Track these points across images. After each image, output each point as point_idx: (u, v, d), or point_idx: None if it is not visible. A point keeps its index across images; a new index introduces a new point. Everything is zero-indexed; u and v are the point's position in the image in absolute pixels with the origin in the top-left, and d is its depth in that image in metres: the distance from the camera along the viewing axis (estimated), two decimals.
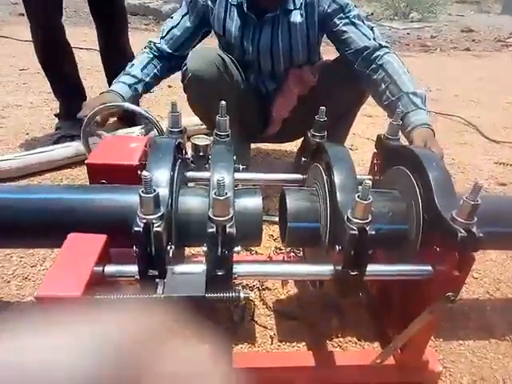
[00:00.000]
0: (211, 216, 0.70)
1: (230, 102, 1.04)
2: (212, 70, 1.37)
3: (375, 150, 1.11)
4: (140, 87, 1.42)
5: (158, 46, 1.48)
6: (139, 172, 1.03)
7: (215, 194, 0.68)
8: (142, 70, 1.43)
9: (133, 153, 1.04)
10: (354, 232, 0.71)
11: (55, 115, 2.09)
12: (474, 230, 0.73)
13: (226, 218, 0.69)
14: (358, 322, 1.11)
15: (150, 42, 1.50)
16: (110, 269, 0.74)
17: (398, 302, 0.96)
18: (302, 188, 0.98)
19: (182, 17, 1.50)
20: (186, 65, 1.38)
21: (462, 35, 6.14)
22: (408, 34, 6.14)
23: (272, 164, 1.98)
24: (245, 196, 0.89)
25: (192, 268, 0.75)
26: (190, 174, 1.04)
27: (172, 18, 1.53)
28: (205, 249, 0.72)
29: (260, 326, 1.09)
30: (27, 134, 2.08)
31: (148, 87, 1.46)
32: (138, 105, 1.53)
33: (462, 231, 0.73)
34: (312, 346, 1.05)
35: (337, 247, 0.76)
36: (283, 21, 1.44)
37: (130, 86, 1.39)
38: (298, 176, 1.11)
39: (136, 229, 0.68)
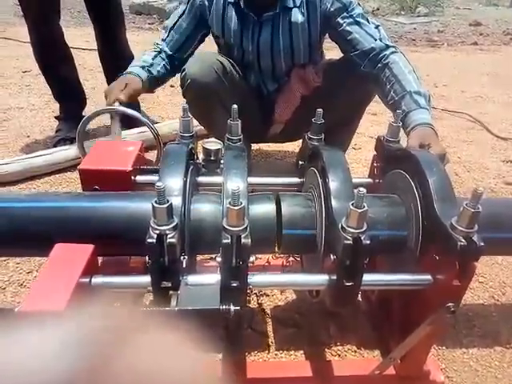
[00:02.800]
0: (226, 226, 0.68)
1: (230, 105, 1.02)
2: (211, 76, 1.34)
3: (375, 153, 1.07)
4: (153, 71, 1.42)
5: (161, 48, 1.48)
6: (133, 177, 1.02)
7: (230, 203, 0.66)
8: (152, 59, 1.44)
9: (126, 158, 1.02)
10: (348, 242, 0.68)
11: (55, 117, 2.08)
12: (475, 238, 0.70)
13: (241, 228, 0.68)
14: (357, 329, 1.08)
15: (155, 43, 1.51)
16: (97, 280, 0.72)
17: (397, 311, 0.93)
18: (297, 193, 0.95)
19: (179, 18, 1.47)
20: (184, 70, 1.36)
21: (469, 29, 6.03)
22: (415, 28, 6.04)
23: (273, 165, 1.95)
24: (259, 202, 0.87)
25: (206, 279, 0.73)
26: (201, 179, 1.03)
27: (169, 17, 1.51)
28: (219, 259, 0.71)
29: (257, 333, 1.07)
30: (28, 136, 2.08)
31: (159, 75, 1.45)
32: (153, 92, 1.53)
33: (462, 240, 0.69)
34: (310, 355, 1.02)
35: (331, 256, 0.73)
36: (283, 20, 1.41)
37: (143, 67, 1.40)
38: (296, 179, 1.08)
39: (149, 240, 0.67)
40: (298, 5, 1.39)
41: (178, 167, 0.85)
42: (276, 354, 1.03)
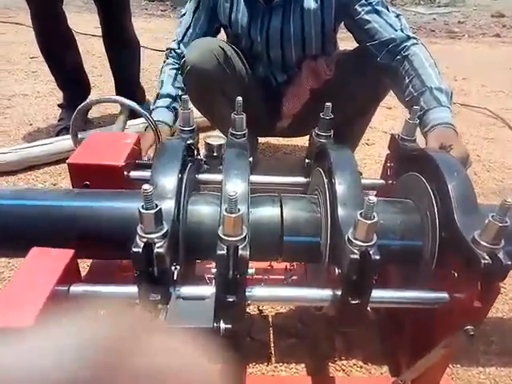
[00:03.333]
0: (221, 235, 0.61)
1: (234, 95, 0.94)
2: (211, 62, 1.26)
3: (388, 152, 0.99)
4: (177, 104, 1.33)
5: (179, 52, 1.38)
6: (126, 173, 0.95)
7: (226, 210, 0.59)
8: (173, 86, 1.35)
9: (119, 152, 0.96)
10: (354, 256, 0.60)
11: (59, 105, 2.02)
12: (501, 255, 0.61)
13: (239, 237, 0.61)
14: (364, 342, 1.00)
15: (169, 49, 1.42)
16: (77, 289, 0.65)
17: (409, 326, 0.85)
18: (301, 196, 0.87)
19: (193, 14, 1.38)
20: (184, 57, 1.28)
21: (491, 20, 5.79)
22: (434, 19, 5.84)
23: (281, 160, 1.87)
24: (262, 205, 0.79)
25: (200, 291, 0.66)
26: (202, 176, 0.96)
27: (184, 15, 1.41)
28: (214, 270, 0.64)
29: (257, 342, 1.00)
30: (31, 124, 2.03)
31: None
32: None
33: (486, 257, 0.61)
34: (312, 369, 0.95)
35: (336, 270, 0.66)
36: (295, 6, 1.31)
37: (168, 107, 1.31)
38: (302, 179, 1.00)
39: (135, 250, 0.60)
40: None
41: (173, 165, 0.78)
42: (275, 367, 0.96)
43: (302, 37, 1.35)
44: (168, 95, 1.33)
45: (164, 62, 1.42)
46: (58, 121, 1.96)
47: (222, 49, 1.29)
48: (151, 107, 1.34)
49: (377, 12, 1.24)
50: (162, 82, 1.37)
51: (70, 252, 0.66)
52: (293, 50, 1.38)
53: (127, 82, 2.09)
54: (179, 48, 1.39)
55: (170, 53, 1.41)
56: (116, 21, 1.90)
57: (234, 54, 1.35)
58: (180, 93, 1.34)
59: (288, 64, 1.44)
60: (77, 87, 1.95)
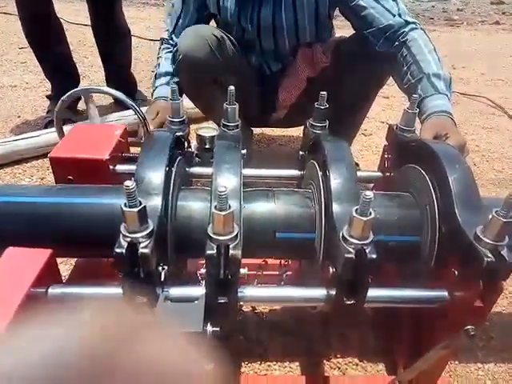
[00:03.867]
0: (211, 234, 0.57)
1: (227, 84, 0.89)
2: (204, 50, 1.20)
3: (386, 143, 0.95)
4: (177, 79, 1.30)
5: (172, 43, 1.35)
6: (111, 167, 0.91)
7: (215, 207, 0.55)
8: (171, 64, 1.32)
9: (104, 145, 0.91)
10: (349, 255, 0.56)
11: (47, 97, 1.97)
12: (505, 253, 0.57)
13: (229, 236, 0.57)
14: (360, 340, 0.97)
15: (162, 39, 1.39)
16: (55, 290, 0.61)
17: (407, 326, 0.82)
18: (294, 190, 0.83)
19: (182, 3, 1.33)
20: (176, 46, 1.23)
21: (491, 7, 5.71)
22: (433, 6, 5.75)
23: (276, 152, 1.83)
24: (255, 200, 0.76)
25: (189, 292, 0.63)
26: (194, 169, 0.92)
27: (173, 6, 1.36)
28: (203, 270, 0.60)
29: (250, 341, 0.97)
30: (19, 116, 1.97)
31: None
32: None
33: (489, 255, 0.57)
34: (307, 367, 0.92)
35: (330, 269, 0.62)
36: None
37: (167, 84, 1.30)
38: (295, 172, 0.96)
39: (118, 250, 0.56)
40: None
41: (160, 159, 0.74)
42: (269, 365, 0.93)
43: (295, 25, 1.29)
44: (166, 73, 1.31)
45: (159, 49, 1.39)
46: (47, 113, 1.91)
47: (215, 36, 1.23)
48: (152, 89, 1.33)
49: None
50: (159, 64, 1.35)
51: (47, 252, 0.62)
52: (286, 39, 1.33)
53: (118, 72, 2.03)
54: (172, 39, 1.36)
55: (163, 43, 1.38)
56: (106, 9, 1.83)
57: (228, 41, 1.30)
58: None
59: (281, 52, 1.38)
60: (65, 77, 1.89)
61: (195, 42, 1.21)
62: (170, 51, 1.35)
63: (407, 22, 1.16)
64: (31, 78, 2.42)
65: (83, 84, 2.29)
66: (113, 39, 1.90)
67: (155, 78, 1.34)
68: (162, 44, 1.39)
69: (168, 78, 1.31)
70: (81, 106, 2.03)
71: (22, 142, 1.59)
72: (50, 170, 1.55)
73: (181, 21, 1.34)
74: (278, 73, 1.44)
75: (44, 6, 1.70)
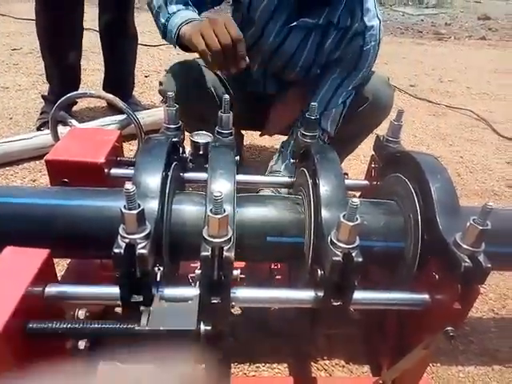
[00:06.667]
0: (206, 237, 0.59)
1: (212, 118, 0.92)
2: (189, 93, 1.17)
3: (373, 153, 0.99)
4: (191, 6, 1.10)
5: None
6: (106, 170, 0.93)
7: (211, 211, 0.57)
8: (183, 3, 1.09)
9: (100, 148, 0.94)
10: (337, 258, 0.59)
11: (42, 96, 1.95)
12: (481, 259, 0.61)
13: (224, 239, 0.59)
14: (347, 342, 1.00)
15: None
16: (52, 290, 0.63)
17: (391, 328, 0.85)
18: (285, 196, 0.86)
19: None
20: (161, 84, 1.23)
21: (478, 23, 5.87)
22: (422, 20, 5.89)
23: (268, 158, 1.86)
24: (247, 205, 0.78)
25: (183, 292, 0.65)
26: (188, 175, 0.94)
27: None
28: (198, 271, 0.62)
29: (239, 342, 0.99)
30: (11, 118, 1.97)
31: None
32: None
33: (467, 260, 0.61)
34: (294, 369, 0.95)
35: (318, 272, 0.65)
36: (316, 33, 1.18)
37: (184, 9, 1.07)
38: (286, 179, 0.99)
39: (116, 251, 0.58)
40: (341, 26, 1.15)
41: (157, 163, 0.76)
42: (258, 367, 0.95)
43: (309, 65, 1.25)
44: (177, 7, 1.07)
45: (152, 9, 1.12)
46: (40, 114, 1.90)
47: (204, 77, 1.22)
48: (166, 30, 1.07)
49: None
50: (160, 6, 1.08)
51: (45, 251, 0.63)
52: (295, 73, 1.28)
53: (120, 76, 2.04)
54: (167, 4, 1.08)
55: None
56: (119, 13, 1.84)
57: (216, 81, 1.27)
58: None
59: (283, 79, 1.33)
60: (69, 85, 1.89)
61: (178, 84, 1.18)
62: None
63: None
64: (23, 79, 2.42)
65: (81, 87, 2.31)
66: (122, 43, 1.92)
67: (165, 22, 1.06)
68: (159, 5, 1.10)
69: (181, 6, 1.07)
70: (76, 108, 2.05)
71: (13, 143, 1.60)
72: (42, 173, 1.58)
73: None
74: (273, 95, 1.39)
75: (76, 11, 1.70)
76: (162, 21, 1.08)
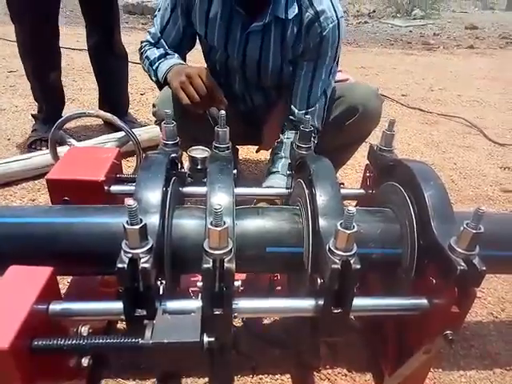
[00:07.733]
0: (207, 249, 0.61)
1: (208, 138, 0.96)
2: (182, 115, 1.17)
3: (368, 162, 1.01)
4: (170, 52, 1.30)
5: (159, 46, 1.31)
6: (106, 188, 0.95)
7: (211, 223, 0.59)
8: (165, 50, 1.30)
9: (99, 166, 0.95)
10: (335, 266, 0.61)
11: (32, 115, 1.99)
12: (476, 262, 0.63)
13: (225, 250, 0.61)
14: (349, 351, 1.00)
15: (146, 42, 1.34)
16: (56, 307, 0.64)
17: (391, 332, 0.86)
18: (283, 207, 0.88)
19: (171, 12, 1.26)
20: (154, 106, 1.27)
21: (465, 32, 6.01)
22: (410, 31, 6.02)
23: (263, 171, 1.88)
24: (246, 217, 0.80)
25: (186, 305, 0.66)
26: (186, 189, 0.96)
27: (159, 11, 1.30)
28: (200, 284, 0.64)
29: (242, 355, 1.00)
30: (9, 139, 1.99)
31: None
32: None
33: (462, 264, 0.63)
34: (297, 379, 0.95)
35: (318, 280, 0.66)
36: (275, 32, 1.21)
37: (164, 56, 1.28)
38: (283, 190, 1.01)
39: (120, 265, 0.59)
40: (290, 17, 1.18)
41: (157, 179, 0.78)
42: (261, 379, 0.95)
43: (280, 68, 1.28)
44: (160, 56, 1.29)
45: (141, 50, 1.35)
46: (32, 132, 1.93)
47: None
48: (157, 74, 1.29)
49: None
50: (147, 56, 1.31)
51: (48, 269, 0.65)
52: (269, 77, 1.31)
53: (113, 94, 2.08)
54: (158, 42, 1.30)
55: (146, 45, 1.33)
56: (105, 33, 1.89)
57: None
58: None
59: (265, 86, 1.36)
60: (56, 102, 1.93)
61: (171, 107, 1.19)
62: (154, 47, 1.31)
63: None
64: (20, 101, 2.45)
65: (72, 107, 2.34)
66: (111, 62, 1.96)
67: (150, 65, 1.29)
68: (143, 46, 1.34)
69: (169, 53, 1.29)
70: (73, 126, 2.07)
71: (12, 164, 1.61)
72: (41, 192, 1.59)
73: (169, 26, 1.28)
74: (262, 108, 1.42)
75: (54, 34, 1.76)
76: (153, 78, 1.32)
